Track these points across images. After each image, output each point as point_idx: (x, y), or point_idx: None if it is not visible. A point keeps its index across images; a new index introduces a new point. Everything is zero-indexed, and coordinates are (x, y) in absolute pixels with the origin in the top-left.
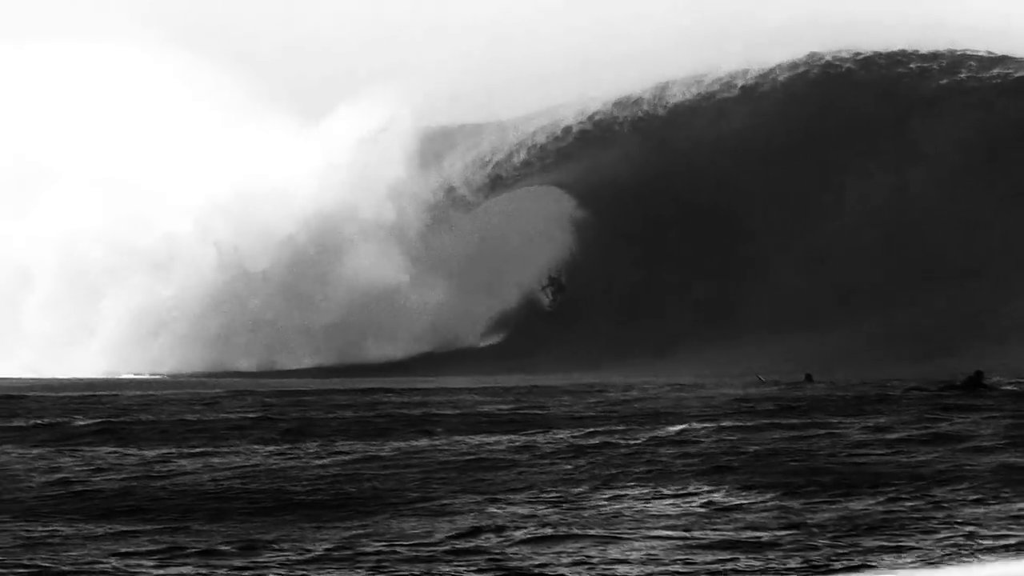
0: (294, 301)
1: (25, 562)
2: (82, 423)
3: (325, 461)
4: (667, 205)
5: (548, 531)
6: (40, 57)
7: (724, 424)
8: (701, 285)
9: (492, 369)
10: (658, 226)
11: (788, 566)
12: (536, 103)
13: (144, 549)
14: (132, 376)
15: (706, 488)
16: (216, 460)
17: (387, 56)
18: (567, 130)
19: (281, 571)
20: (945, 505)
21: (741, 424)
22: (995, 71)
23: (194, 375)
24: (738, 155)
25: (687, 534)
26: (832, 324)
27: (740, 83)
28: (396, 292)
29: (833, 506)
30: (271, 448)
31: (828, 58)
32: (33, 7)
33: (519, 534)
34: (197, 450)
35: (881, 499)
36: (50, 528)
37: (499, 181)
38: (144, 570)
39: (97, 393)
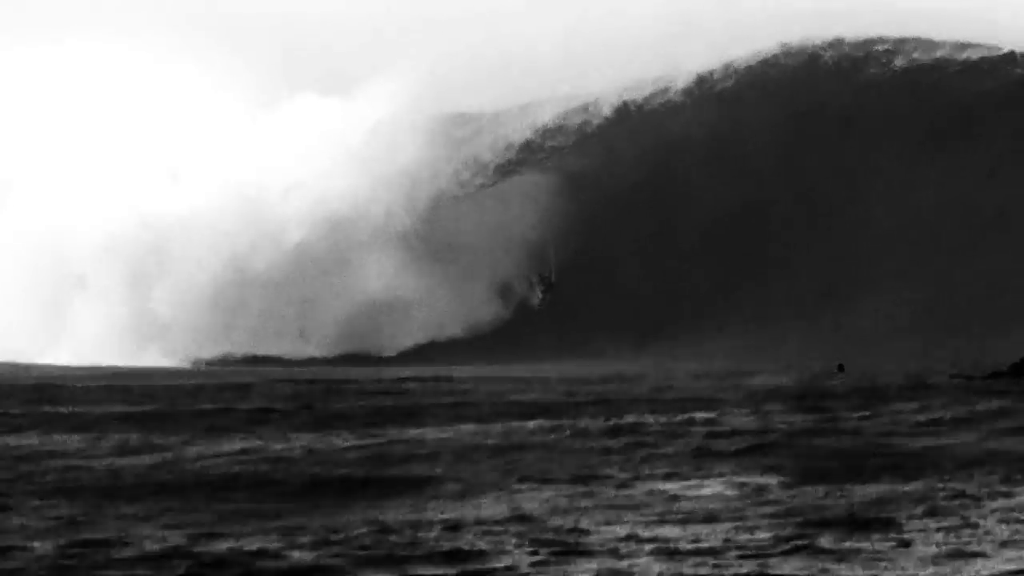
0: (296, 294)
1: (55, 542)
2: (111, 410)
3: (356, 445)
4: (659, 199)
5: (588, 515)
6: (49, 56)
7: (758, 410)
8: (702, 277)
9: (498, 360)
10: (651, 220)
11: (828, 546)
12: (520, 97)
13: (175, 531)
14: (159, 365)
15: (742, 472)
16: (245, 445)
17: (388, 48)
18: (552, 125)
19: (312, 552)
20: (984, 489)
21: (775, 410)
22: (965, 55)
23: (223, 363)
24: (725, 145)
25: (726, 517)
26: (844, 311)
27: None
28: (397, 286)
29: (871, 490)
30: (302, 433)
31: (796, 47)
32: (49, 7)
33: (555, 515)
34: (227, 435)
35: (919, 483)
36: (80, 509)
37: (491, 172)
38: (175, 549)
39: (126, 383)
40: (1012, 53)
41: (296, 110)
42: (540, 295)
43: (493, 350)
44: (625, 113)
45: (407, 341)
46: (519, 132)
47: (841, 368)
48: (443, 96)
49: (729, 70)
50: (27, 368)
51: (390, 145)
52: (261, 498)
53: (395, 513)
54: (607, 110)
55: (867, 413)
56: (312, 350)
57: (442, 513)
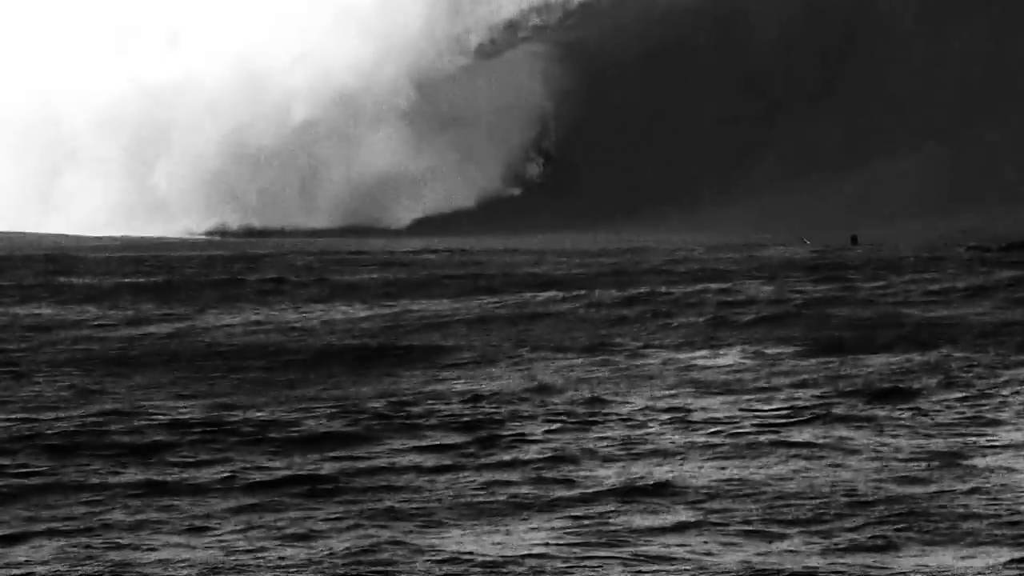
0: (300, 168)
1: (68, 412)
2: (123, 280)
3: (370, 315)
4: (660, 69)
5: (603, 385)
6: None
7: (772, 282)
8: (708, 147)
9: (502, 233)
10: (651, 92)
11: (845, 414)
12: None
13: (189, 401)
14: (174, 236)
15: (757, 342)
16: (258, 316)
17: None
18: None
19: (328, 421)
20: (999, 358)
21: (790, 280)
22: None
23: (221, 235)
24: (724, 14)
25: (742, 387)
26: (856, 182)
27: None
28: (400, 160)
29: (887, 359)
30: (315, 304)
31: None
32: None
33: (569, 385)
34: (240, 306)
35: (935, 353)
36: (94, 379)
37: (491, 45)
38: (189, 418)
39: (139, 253)
40: None
41: None
42: (540, 168)
43: (498, 223)
44: None
45: (411, 215)
46: (514, 3)
47: (855, 240)
48: None
49: None
50: (39, 237)
51: (396, 15)
52: (275, 368)
53: (410, 382)
54: None
55: (882, 283)
56: (316, 223)
57: (457, 382)
